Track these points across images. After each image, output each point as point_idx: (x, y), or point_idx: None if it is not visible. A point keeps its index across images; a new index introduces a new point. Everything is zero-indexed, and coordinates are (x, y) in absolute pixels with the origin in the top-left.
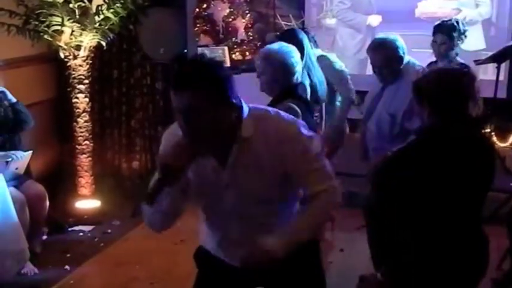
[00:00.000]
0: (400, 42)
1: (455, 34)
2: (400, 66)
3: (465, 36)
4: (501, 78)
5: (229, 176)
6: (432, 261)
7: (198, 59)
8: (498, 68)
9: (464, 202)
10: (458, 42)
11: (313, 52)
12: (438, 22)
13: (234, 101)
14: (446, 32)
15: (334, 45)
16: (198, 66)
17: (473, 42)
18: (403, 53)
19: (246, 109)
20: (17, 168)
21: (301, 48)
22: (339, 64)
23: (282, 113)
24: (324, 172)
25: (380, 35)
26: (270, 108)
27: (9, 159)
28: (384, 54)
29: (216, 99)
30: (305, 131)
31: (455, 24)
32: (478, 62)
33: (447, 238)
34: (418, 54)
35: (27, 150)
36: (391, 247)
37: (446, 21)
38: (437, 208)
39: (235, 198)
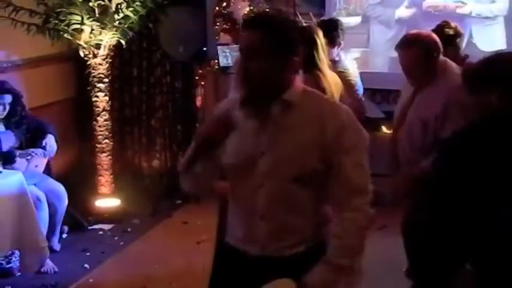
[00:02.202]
0: (435, 38)
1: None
2: (434, 66)
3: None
4: None
5: (267, 140)
6: None
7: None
8: None
9: None
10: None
11: None
12: None
13: (292, 63)
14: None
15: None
16: (269, 15)
17: (492, 41)
18: (439, 51)
19: (300, 84)
20: (36, 166)
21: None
22: None
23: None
24: (365, 180)
25: (413, 31)
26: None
27: (29, 157)
28: (414, 53)
29: (275, 46)
30: (359, 125)
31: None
32: None
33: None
34: None
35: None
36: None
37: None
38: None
39: (268, 167)
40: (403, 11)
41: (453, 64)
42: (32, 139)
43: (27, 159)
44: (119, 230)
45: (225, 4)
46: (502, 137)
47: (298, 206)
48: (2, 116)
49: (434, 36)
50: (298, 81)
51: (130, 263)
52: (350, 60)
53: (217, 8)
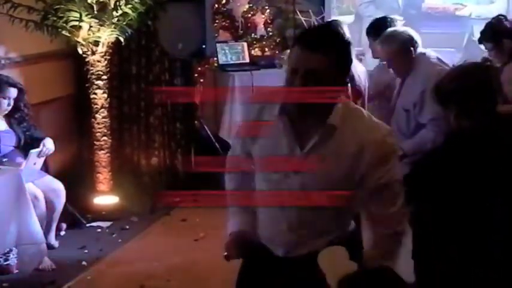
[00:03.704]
0: (411, 34)
1: None
2: (411, 57)
3: None
4: None
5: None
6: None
7: (331, 27)
8: None
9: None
10: None
11: None
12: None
13: (344, 79)
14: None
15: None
16: (334, 33)
17: None
18: (415, 45)
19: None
20: (34, 164)
21: None
22: None
23: (375, 119)
24: (400, 211)
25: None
26: (362, 109)
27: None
28: (393, 46)
29: (336, 70)
30: (396, 146)
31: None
32: None
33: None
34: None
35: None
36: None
37: None
38: (472, 223)
39: (299, 186)
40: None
41: (431, 55)
42: (30, 140)
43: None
44: (117, 227)
45: (224, 1)
46: (457, 158)
47: (327, 218)
48: (7, 112)
49: (411, 31)
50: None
51: (128, 261)
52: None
53: (216, 5)
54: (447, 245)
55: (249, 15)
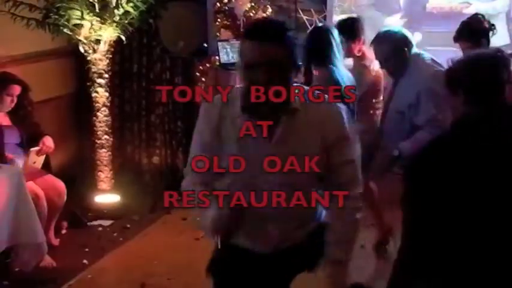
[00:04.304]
0: (405, 34)
1: None
2: (405, 58)
3: None
4: None
5: (274, 147)
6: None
7: (278, 21)
8: None
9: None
10: None
11: None
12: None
13: (297, 67)
14: None
15: None
16: (281, 25)
17: (495, 37)
18: (409, 45)
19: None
20: (34, 163)
21: None
22: None
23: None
24: (356, 174)
25: (384, 27)
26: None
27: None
28: (387, 47)
29: (290, 59)
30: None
31: None
32: None
33: (488, 247)
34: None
35: None
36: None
37: None
38: (476, 210)
39: (275, 179)
40: (395, 20)
41: (426, 55)
42: (31, 138)
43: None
44: (118, 226)
45: (226, 0)
46: (463, 144)
47: (305, 200)
48: (10, 109)
49: (404, 31)
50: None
51: (129, 259)
52: None
53: (218, 4)
54: (451, 229)
55: (251, 14)
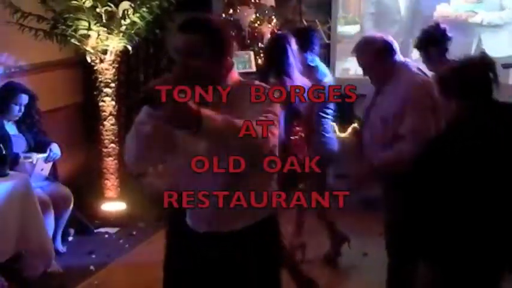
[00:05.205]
0: (387, 41)
1: None
2: (389, 66)
3: None
4: None
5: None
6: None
7: (205, 15)
8: None
9: (498, 186)
10: None
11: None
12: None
13: (226, 62)
14: None
15: None
16: (206, 19)
17: (502, 47)
18: (392, 53)
19: (236, 72)
20: (42, 170)
21: None
22: None
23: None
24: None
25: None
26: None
27: (30, 160)
28: (368, 55)
29: (212, 48)
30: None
31: None
32: (505, 66)
33: (481, 220)
34: None
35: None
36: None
37: None
38: (473, 194)
39: (207, 148)
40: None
41: (412, 64)
42: (38, 146)
43: (31, 162)
44: (125, 233)
45: (231, 11)
46: (458, 141)
47: (247, 179)
48: (17, 118)
49: (387, 38)
50: (234, 75)
51: (135, 266)
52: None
53: (223, 15)
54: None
55: (256, 25)
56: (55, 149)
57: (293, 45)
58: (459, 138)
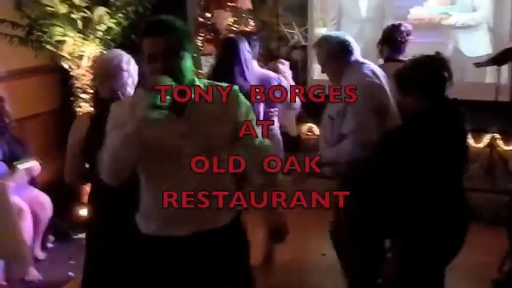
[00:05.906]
0: (346, 39)
1: None
2: (342, 65)
3: None
4: (504, 81)
5: (186, 126)
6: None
7: (166, 16)
8: (499, 71)
9: (451, 173)
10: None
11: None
12: None
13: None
14: None
15: None
16: (169, 19)
17: (477, 47)
18: (347, 52)
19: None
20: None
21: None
22: None
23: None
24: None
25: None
26: None
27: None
28: (324, 51)
29: (183, 45)
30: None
31: None
32: (478, 65)
33: (434, 205)
34: None
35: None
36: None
37: None
38: (427, 181)
39: (191, 148)
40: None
41: (367, 65)
42: (12, 153)
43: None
44: None
45: (208, 15)
46: (416, 133)
47: (222, 177)
48: None
49: (343, 38)
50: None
51: None
52: None
53: (201, 19)
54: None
55: (233, 28)
56: (37, 167)
57: (246, 47)
58: (421, 130)
